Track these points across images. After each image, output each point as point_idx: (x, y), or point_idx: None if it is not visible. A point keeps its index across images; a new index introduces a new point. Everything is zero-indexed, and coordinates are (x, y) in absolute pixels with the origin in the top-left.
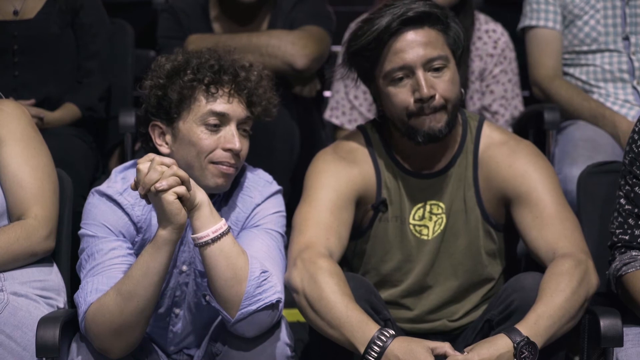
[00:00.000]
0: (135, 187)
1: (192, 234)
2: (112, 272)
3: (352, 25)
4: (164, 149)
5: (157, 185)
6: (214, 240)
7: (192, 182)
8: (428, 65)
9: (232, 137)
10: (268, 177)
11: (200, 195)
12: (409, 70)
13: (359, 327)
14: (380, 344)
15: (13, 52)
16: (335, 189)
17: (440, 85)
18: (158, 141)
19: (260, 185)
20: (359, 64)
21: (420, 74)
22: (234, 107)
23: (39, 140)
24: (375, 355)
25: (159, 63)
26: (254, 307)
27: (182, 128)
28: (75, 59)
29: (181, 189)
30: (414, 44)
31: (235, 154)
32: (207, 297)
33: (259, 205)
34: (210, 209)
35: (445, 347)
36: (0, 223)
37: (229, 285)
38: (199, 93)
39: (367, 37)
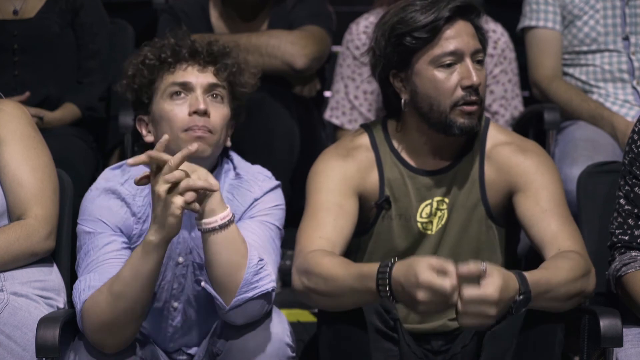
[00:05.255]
0: (139, 181)
1: (199, 219)
2: (105, 267)
3: (354, 26)
4: (149, 137)
5: (184, 192)
6: (222, 227)
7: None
8: (474, 56)
9: (195, 101)
10: (267, 173)
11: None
12: (458, 57)
13: (362, 277)
14: (384, 276)
15: (13, 52)
16: (333, 190)
17: (482, 77)
18: (144, 132)
19: (259, 180)
20: (401, 46)
21: (469, 62)
22: (194, 75)
23: (39, 140)
24: (387, 288)
25: (128, 60)
26: (249, 295)
27: (155, 109)
28: (75, 59)
29: (195, 206)
30: (464, 33)
31: (201, 116)
32: (203, 283)
33: (257, 199)
34: (220, 196)
35: (449, 265)
36: (0, 223)
37: (228, 272)
38: (160, 71)
39: (423, 20)
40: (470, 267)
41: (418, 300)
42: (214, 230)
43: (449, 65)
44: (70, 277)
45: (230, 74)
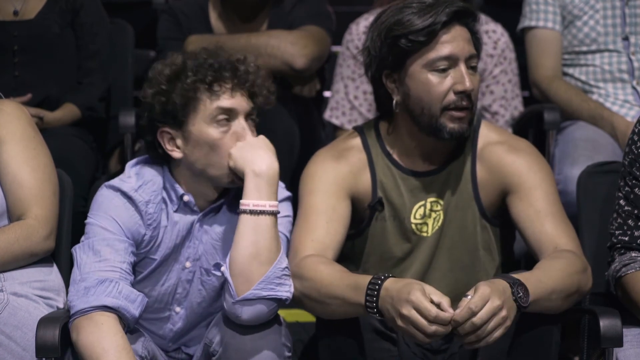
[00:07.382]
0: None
1: (247, 199)
2: (122, 276)
3: (354, 26)
4: (177, 153)
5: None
6: (268, 213)
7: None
8: (469, 61)
9: (243, 131)
10: (281, 183)
11: (276, 166)
12: (453, 62)
13: (356, 288)
14: (374, 288)
15: (13, 52)
16: (326, 192)
17: (475, 83)
18: (169, 147)
19: None
20: (397, 48)
21: (463, 67)
22: (238, 101)
23: (39, 140)
24: (373, 301)
25: (158, 69)
26: (264, 293)
27: (193, 130)
28: (75, 59)
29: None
30: (460, 38)
31: None
32: (222, 268)
33: None
34: (278, 188)
35: (443, 300)
36: (0, 223)
37: (255, 261)
38: (202, 93)
39: (420, 24)
40: (461, 311)
41: (401, 313)
42: (262, 212)
43: (443, 70)
44: (70, 277)
45: (263, 98)
